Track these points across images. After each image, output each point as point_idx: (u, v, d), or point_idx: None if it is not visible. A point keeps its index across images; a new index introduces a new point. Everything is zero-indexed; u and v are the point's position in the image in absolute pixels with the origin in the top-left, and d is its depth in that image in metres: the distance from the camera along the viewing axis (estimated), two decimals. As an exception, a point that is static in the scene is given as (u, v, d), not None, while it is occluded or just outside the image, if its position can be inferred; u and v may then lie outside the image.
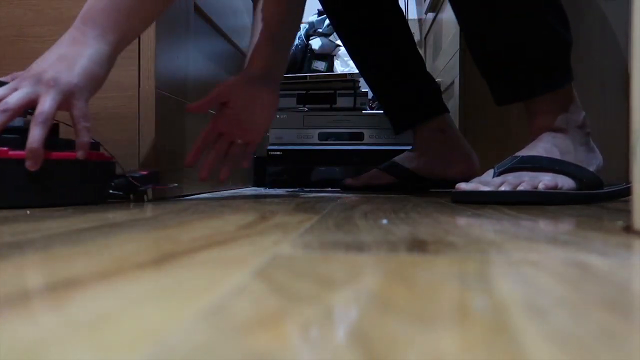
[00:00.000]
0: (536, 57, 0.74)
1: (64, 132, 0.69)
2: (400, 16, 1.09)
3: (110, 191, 0.64)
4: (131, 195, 0.68)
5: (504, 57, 0.76)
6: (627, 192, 0.69)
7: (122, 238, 0.33)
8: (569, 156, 0.70)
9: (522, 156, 0.70)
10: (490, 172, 0.70)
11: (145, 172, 0.68)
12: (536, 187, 0.66)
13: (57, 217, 0.46)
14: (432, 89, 1.10)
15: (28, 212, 0.51)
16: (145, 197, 0.69)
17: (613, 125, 1.40)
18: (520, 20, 0.74)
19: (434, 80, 1.13)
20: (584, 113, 0.75)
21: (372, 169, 1.11)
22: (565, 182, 0.68)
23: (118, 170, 0.68)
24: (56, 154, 0.58)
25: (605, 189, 0.70)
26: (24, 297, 0.18)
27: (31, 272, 0.22)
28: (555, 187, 0.67)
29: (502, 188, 0.66)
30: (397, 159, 1.09)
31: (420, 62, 1.11)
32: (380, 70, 1.08)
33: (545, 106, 0.74)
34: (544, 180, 0.66)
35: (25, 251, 0.27)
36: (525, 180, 0.66)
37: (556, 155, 0.70)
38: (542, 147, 0.71)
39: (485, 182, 0.68)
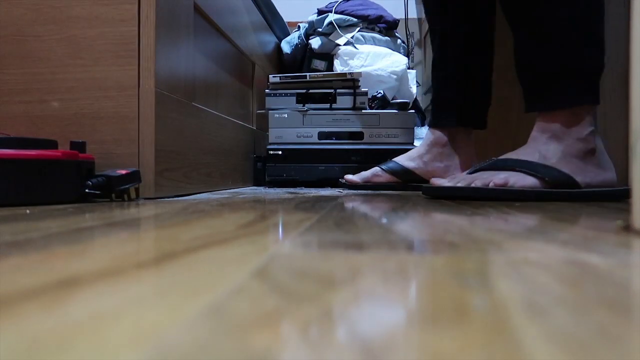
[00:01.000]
0: (566, 75, 0.78)
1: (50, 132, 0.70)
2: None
3: (87, 190, 0.64)
4: (112, 195, 0.68)
5: (538, 73, 0.81)
6: (590, 195, 0.74)
7: (122, 237, 0.33)
8: (550, 162, 0.75)
9: (496, 159, 0.79)
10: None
11: (124, 172, 0.68)
12: (487, 185, 0.74)
13: (57, 216, 0.46)
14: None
15: (28, 211, 0.51)
16: (125, 196, 0.69)
17: (613, 125, 1.40)
18: (562, 46, 0.78)
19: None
20: (591, 128, 0.77)
21: (374, 167, 1.12)
22: (521, 180, 0.74)
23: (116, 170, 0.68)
24: (21, 153, 0.59)
25: (578, 190, 0.75)
26: (24, 297, 0.18)
27: (31, 271, 0.22)
28: (505, 185, 0.74)
29: (458, 184, 0.75)
30: (397, 158, 1.09)
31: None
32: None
33: (549, 116, 0.78)
34: (494, 179, 0.74)
35: (25, 250, 0.27)
36: (478, 179, 0.75)
37: (534, 158, 0.76)
38: (523, 151, 0.78)
39: (457, 180, 0.76)
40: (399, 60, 1.58)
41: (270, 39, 1.62)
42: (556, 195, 0.74)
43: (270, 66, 1.60)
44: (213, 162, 1.02)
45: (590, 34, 0.78)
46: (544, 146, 0.77)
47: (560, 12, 0.78)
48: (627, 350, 0.13)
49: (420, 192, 0.83)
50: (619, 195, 0.74)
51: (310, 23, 1.66)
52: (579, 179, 0.75)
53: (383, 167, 1.10)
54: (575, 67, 0.78)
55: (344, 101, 1.34)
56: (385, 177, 1.08)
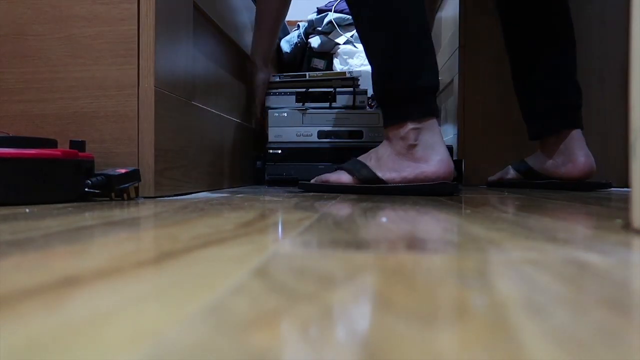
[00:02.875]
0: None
1: (47, 132, 0.70)
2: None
3: (87, 189, 0.64)
4: (112, 194, 0.68)
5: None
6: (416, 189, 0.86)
7: (122, 236, 0.33)
8: (380, 161, 0.90)
9: (351, 160, 0.95)
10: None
11: (124, 171, 0.68)
12: (325, 181, 0.94)
13: (57, 215, 0.46)
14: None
15: (27, 210, 0.51)
16: (125, 195, 0.69)
17: (612, 125, 1.40)
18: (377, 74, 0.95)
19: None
20: (412, 126, 0.88)
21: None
22: (340, 178, 0.93)
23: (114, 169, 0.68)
24: (21, 152, 0.58)
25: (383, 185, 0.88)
26: (24, 296, 0.18)
27: (31, 270, 0.22)
28: (328, 181, 0.94)
29: (312, 181, 0.97)
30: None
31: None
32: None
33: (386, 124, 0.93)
34: (323, 176, 0.96)
35: (24, 249, 0.27)
36: (320, 177, 0.96)
37: (373, 159, 0.91)
38: (368, 153, 0.94)
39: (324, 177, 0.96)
40: (398, 59, 1.58)
41: (269, 38, 1.62)
42: (357, 189, 0.90)
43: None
44: (213, 161, 1.02)
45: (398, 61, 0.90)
46: (382, 147, 0.92)
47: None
48: (627, 350, 0.13)
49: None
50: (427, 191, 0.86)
51: (310, 22, 1.66)
52: (379, 174, 0.88)
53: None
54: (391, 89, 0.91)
55: (344, 100, 1.34)
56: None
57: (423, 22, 0.91)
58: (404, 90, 0.89)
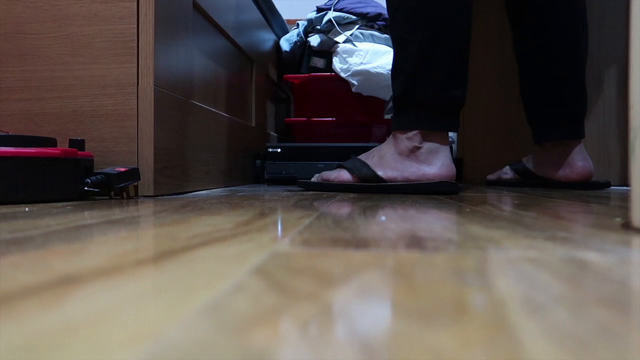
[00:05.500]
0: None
1: (44, 131, 0.70)
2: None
3: (86, 188, 0.64)
4: (111, 193, 0.68)
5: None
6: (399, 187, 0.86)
7: (121, 235, 0.33)
8: (382, 160, 0.89)
9: (354, 157, 0.94)
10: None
11: (123, 169, 0.68)
12: (325, 180, 0.94)
13: (56, 214, 0.46)
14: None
15: (27, 208, 0.51)
16: (124, 194, 0.69)
17: (612, 124, 1.40)
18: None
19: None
20: (417, 130, 0.87)
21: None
22: (340, 176, 0.92)
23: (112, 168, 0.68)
24: (21, 151, 0.58)
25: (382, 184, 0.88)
26: (23, 294, 0.18)
27: (30, 268, 0.22)
28: (327, 180, 0.93)
29: (312, 179, 0.96)
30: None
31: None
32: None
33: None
34: (323, 175, 0.95)
35: (24, 248, 0.27)
36: (325, 174, 0.95)
37: (375, 157, 0.90)
38: (369, 152, 0.93)
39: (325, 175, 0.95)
40: (398, 58, 1.58)
41: (269, 37, 1.62)
42: (357, 188, 0.90)
43: (269, 64, 1.60)
44: (212, 160, 1.02)
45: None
46: (385, 146, 0.90)
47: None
48: (626, 348, 0.13)
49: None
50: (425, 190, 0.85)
51: (309, 21, 1.66)
52: (380, 173, 0.88)
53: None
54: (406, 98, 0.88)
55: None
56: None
57: (467, 24, 0.85)
58: (429, 100, 0.85)
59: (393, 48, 0.90)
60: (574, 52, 1.08)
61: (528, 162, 1.19)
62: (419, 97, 0.86)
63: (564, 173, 1.10)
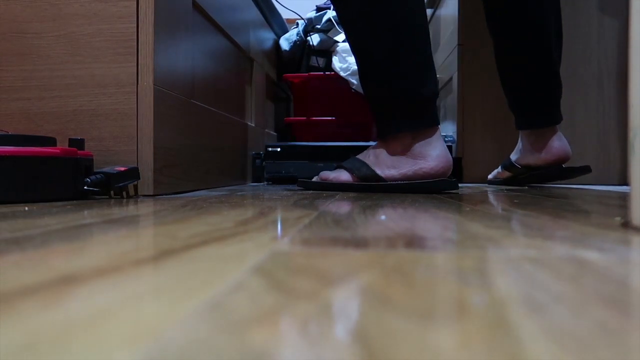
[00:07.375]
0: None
1: (45, 130, 0.69)
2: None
3: (86, 187, 0.64)
4: (111, 192, 0.68)
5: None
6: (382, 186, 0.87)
7: (120, 234, 0.33)
8: (378, 158, 0.90)
9: (350, 158, 0.95)
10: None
11: (123, 169, 0.68)
12: (324, 179, 0.94)
13: (56, 213, 0.46)
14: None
15: (26, 208, 0.51)
16: (124, 193, 0.69)
17: (611, 124, 1.40)
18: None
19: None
20: (409, 136, 0.87)
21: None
22: (340, 176, 0.93)
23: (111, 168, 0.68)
24: (20, 150, 0.58)
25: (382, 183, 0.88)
26: (23, 294, 0.18)
27: (29, 268, 0.22)
28: (327, 179, 0.94)
29: (313, 179, 0.97)
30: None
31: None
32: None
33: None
34: (322, 174, 0.96)
35: (23, 247, 0.27)
36: (323, 174, 0.96)
37: (371, 157, 0.91)
38: (365, 152, 0.93)
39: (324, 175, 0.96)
40: (397, 57, 1.58)
41: (268, 36, 1.62)
42: (356, 187, 0.90)
43: (268, 63, 1.60)
44: (212, 159, 1.02)
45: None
46: (378, 148, 0.91)
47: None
48: (626, 347, 0.13)
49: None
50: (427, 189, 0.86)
51: (309, 20, 1.66)
52: (378, 172, 0.88)
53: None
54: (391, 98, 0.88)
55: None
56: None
57: (425, 22, 0.87)
58: (405, 101, 0.86)
59: (355, 57, 0.90)
60: (541, 34, 1.07)
61: (513, 156, 1.21)
62: (394, 101, 0.87)
63: (541, 157, 1.11)
